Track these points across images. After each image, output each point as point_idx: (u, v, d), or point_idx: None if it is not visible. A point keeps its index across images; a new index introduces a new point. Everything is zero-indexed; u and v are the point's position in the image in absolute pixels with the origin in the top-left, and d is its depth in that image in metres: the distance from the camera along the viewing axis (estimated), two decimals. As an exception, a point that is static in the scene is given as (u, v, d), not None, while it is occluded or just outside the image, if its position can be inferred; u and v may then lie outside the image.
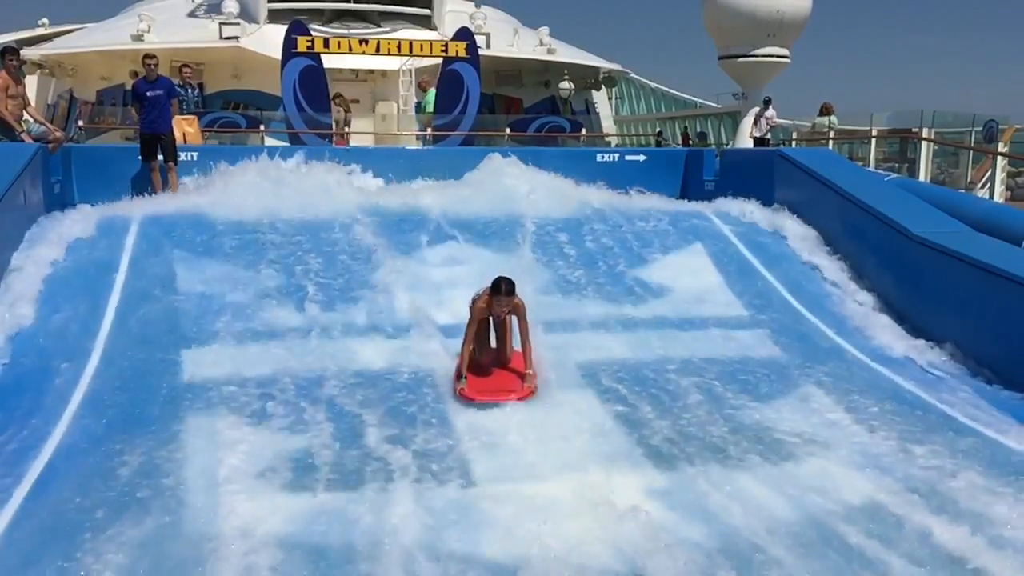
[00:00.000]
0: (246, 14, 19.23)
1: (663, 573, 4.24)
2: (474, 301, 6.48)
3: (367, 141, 16.63)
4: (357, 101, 19.26)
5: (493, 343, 6.68)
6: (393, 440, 5.59)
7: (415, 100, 16.52)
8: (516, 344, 6.62)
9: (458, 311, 7.00)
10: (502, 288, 6.25)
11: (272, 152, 11.46)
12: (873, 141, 17.83)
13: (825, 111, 18.34)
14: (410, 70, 16.83)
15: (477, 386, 6.17)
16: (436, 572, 4.22)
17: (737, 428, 6.01)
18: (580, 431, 5.83)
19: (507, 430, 5.76)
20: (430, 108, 15.29)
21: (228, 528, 4.52)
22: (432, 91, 15.44)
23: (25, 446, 5.32)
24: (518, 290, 6.38)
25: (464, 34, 16.37)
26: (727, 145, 22.98)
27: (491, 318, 6.51)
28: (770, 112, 18.02)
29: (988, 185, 14.78)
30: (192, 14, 21.07)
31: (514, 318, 6.46)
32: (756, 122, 18.37)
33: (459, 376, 6.24)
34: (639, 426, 5.97)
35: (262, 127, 16.22)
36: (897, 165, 17.26)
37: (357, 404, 6.09)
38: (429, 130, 15.76)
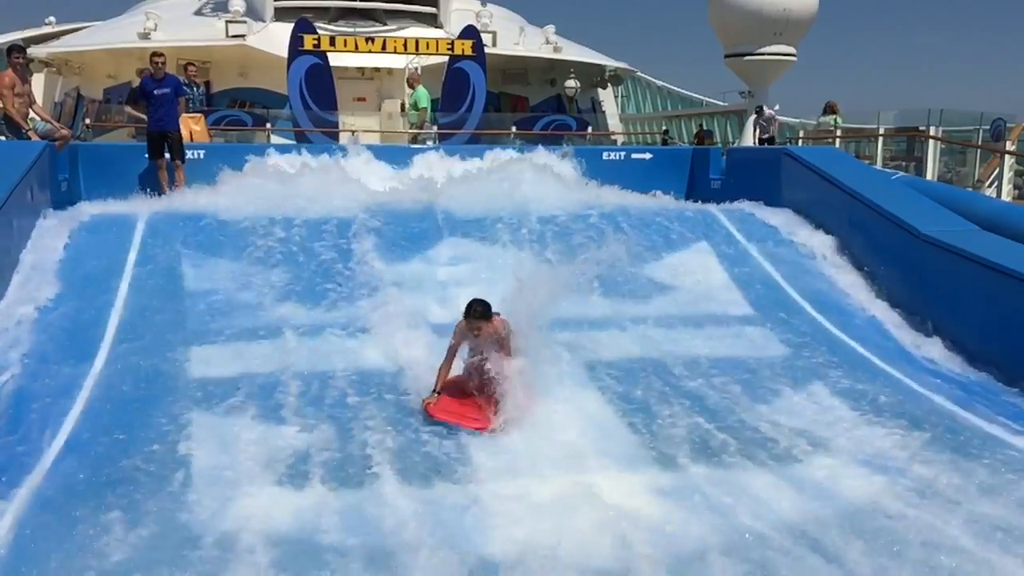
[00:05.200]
0: (252, 12, 19.24)
1: (666, 572, 4.24)
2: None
3: (373, 139, 16.64)
4: (363, 99, 19.27)
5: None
6: (396, 438, 5.60)
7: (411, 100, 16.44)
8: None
9: (462, 310, 6.98)
10: (471, 311, 5.88)
11: (278, 150, 11.51)
12: (880, 140, 17.78)
13: (830, 110, 18.28)
14: (416, 68, 16.82)
15: (443, 405, 5.97)
16: (437, 570, 4.22)
17: (742, 427, 6.00)
18: (584, 429, 5.82)
19: (510, 428, 5.75)
20: (422, 104, 15.25)
21: (231, 525, 4.53)
22: (421, 88, 15.41)
23: (32, 441, 5.34)
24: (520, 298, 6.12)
25: (470, 32, 16.37)
26: (733, 143, 22.91)
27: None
28: (769, 113, 17.91)
29: (995, 184, 14.73)
30: (199, 12, 21.07)
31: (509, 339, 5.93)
32: (757, 126, 18.30)
33: (433, 391, 6.04)
34: (643, 424, 5.96)
35: (268, 125, 16.23)
36: (904, 164, 17.22)
37: (361, 402, 6.10)
38: (435, 129, 15.75)
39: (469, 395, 6.06)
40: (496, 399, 5.85)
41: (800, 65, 22.05)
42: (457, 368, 6.26)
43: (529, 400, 5.90)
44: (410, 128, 15.63)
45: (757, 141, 17.79)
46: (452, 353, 6.13)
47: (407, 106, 16.08)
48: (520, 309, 6.06)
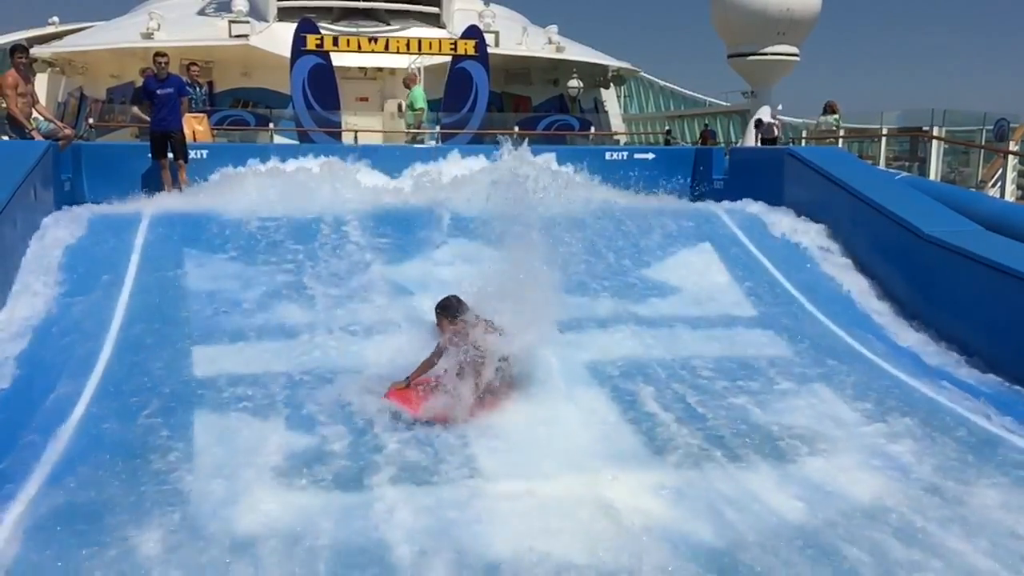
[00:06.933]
0: (255, 12, 19.28)
1: (669, 572, 4.23)
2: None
3: (375, 139, 16.67)
4: (366, 99, 19.31)
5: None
6: (398, 437, 5.59)
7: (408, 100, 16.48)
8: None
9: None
10: (437, 308, 6.14)
11: (280, 150, 11.52)
12: (883, 140, 17.76)
13: (830, 110, 18.29)
14: (416, 69, 16.86)
15: (402, 392, 6.01)
16: (440, 569, 4.22)
17: (745, 427, 5.98)
18: (587, 429, 5.82)
19: (513, 428, 5.75)
20: (418, 104, 15.27)
21: (232, 524, 4.53)
22: (418, 88, 15.41)
23: (36, 440, 5.34)
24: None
25: (473, 32, 16.41)
26: (736, 143, 22.91)
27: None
28: (768, 123, 17.88)
29: (999, 184, 14.70)
30: (202, 12, 21.12)
31: (490, 338, 5.99)
32: (757, 134, 18.27)
33: (405, 378, 6.09)
34: (646, 425, 5.95)
35: (271, 125, 16.26)
36: (907, 164, 17.19)
37: (363, 401, 6.08)
38: (438, 128, 15.77)
39: (431, 388, 6.06)
40: (433, 391, 5.91)
41: (803, 65, 22.08)
42: None
43: (487, 406, 5.93)
44: (406, 128, 15.65)
45: (760, 144, 17.81)
46: (438, 349, 6.15)
47: (404, 107, 16.09)
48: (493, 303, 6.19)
